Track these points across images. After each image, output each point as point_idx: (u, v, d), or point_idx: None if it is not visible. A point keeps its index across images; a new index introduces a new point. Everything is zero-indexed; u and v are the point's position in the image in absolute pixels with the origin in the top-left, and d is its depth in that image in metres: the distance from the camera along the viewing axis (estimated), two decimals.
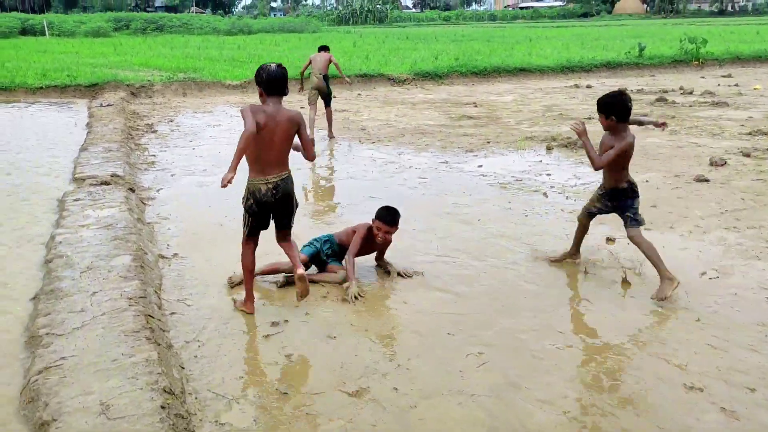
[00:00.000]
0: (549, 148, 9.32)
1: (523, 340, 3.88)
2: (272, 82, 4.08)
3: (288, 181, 4.19)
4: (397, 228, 4.85)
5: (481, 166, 8.40)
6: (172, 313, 4.29)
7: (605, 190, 4.66)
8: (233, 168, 3.81)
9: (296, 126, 4.13)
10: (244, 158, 3.91)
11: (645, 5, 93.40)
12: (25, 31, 40.74)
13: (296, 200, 4.32)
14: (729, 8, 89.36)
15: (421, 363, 3.64)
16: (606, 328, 4.04)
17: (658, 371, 3.52)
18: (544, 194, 6.99)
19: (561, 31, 44.00)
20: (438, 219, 6.21)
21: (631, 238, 4.53)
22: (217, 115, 13.05)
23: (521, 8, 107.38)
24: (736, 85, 16.61)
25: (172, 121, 12.20)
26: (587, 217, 4.89)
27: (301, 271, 4.17)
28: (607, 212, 4.76)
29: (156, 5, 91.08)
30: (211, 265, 5.13)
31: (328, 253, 4.93)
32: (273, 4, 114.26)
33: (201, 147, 9.75)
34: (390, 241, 4.90)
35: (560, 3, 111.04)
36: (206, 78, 16.90)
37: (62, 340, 3.55)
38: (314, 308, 4.36)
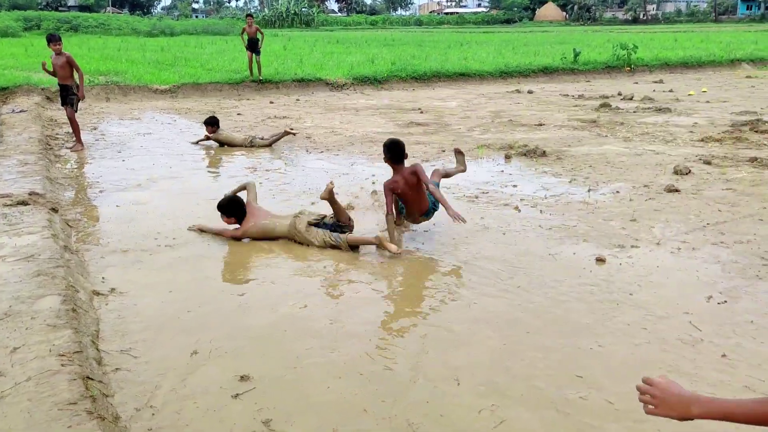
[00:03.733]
0: (508, 157, 8.92)
1: (540, 389, 3.35)
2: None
3: (73, 86, 9.40)
4: None
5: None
6: (116, 369, 3.52)
7: None
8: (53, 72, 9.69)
9: (73, 63, 9.34)
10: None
11: (564, 13, 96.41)
12: None
13: (78, 97, 9.50)
14: (641, 16, 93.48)
15: (431, 424, 3.04)
16: (624, 367, 3.56)
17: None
18: (516, 209, 6.54)
19: (489, 36, 44.48)
20: (409, 241, 5.64)
21: None
22: (147, 122, 12.02)
23: (446, 14, 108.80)
24: (671, 90, 16.89)
25: (95, 129, 11.13)
26: None
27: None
28: None
29: (69, 5, 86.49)
30: (159, 300, 4.38)
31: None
32: (195, 6, 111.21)
33: (132, 158, 8.80)
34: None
35: (483, 9, 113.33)
36: (131, 81, 15.73)
37: None
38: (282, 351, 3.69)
